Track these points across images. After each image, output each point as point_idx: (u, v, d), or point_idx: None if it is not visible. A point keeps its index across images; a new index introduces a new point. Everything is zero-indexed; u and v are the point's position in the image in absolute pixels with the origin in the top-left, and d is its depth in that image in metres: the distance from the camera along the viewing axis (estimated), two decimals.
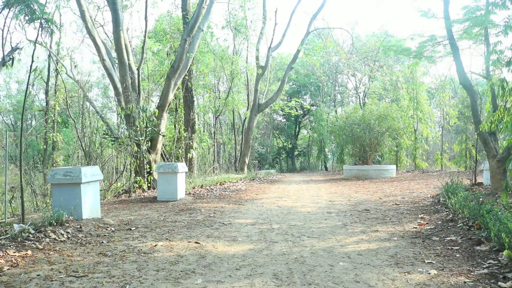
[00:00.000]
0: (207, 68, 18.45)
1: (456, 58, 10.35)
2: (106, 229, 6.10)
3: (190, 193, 11.74)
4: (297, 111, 32.61)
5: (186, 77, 16.36)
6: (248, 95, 25.92)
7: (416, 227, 6.25)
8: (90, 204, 6.86)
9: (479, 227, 5.38)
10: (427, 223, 6.52)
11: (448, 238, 5.27)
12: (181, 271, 3.98)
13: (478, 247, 4.67)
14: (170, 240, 5.38)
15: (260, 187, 15.35)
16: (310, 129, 44.99)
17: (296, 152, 47.25)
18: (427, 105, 27.83)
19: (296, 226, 6.48)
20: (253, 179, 19.17)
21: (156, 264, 4.21)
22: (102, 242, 5.21)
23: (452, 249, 4.75)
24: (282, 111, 33.85)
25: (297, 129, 46.22)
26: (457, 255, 4.47)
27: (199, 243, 5.22)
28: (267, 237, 5.64)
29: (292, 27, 48.38)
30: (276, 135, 46.27)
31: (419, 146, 26.36)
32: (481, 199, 7.05)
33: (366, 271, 3.97)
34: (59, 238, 5.24)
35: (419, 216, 7.32)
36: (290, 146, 46.26)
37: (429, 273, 3.84)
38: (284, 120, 46.40)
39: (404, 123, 22.29)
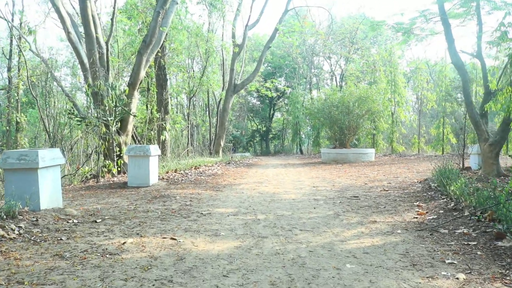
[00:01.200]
0: (181, 45, 17.45)
1: (448, 35, 9.76)
2: (68, 222, 5.28)
3: (163, 178, 10.93)
4: (271, 92, 31.82)
5: (159, 54, 15.39)
6: (223, 76, 24.99)
7: (416, 217, 5.65)
8: (50, 192, 5.98)
9: (491, 218, 4.80)
10: (426, 212, 5.94)
11: (459, 231, 4.66)
12: (156, 279, 3.21)
13: (499, 243, 4.06)
14: (141, 236, 4.60)
15: (237, 171, 14.62)
16: (285, 111, 44.39)
17: (270, 135, 46.64)
18: (404, 88, 27.50)
19: (284, 217, 5.79)
20: (229, 163, 18.44)
21: (124, 270, 3.42)
22: (61, 239, 4.39)
23: (469, 244, 4.14)
24: (258, 92, 33.04)
25: (272, 111, 45.56)
26: (479, 253, 3.85)
27: (175, 239, 4.46)
28: (254, 230, 4.93)
29: (269, 6, 47.34)
30: (250, 117, 45.53)
31: (396, 129, 26.06)
32: (493, 187, 6.48)
33: (381, 276, 3.30)
34: (8, 234, 4.39)
35: (415, 204, 6.75)
36: (264, 129, 45.60)
37: (457, 278, 3.20)
38: (259, 102, 45.65)
39: (384, 105, 21.84)
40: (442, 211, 5.83)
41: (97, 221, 5.41)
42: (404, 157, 21.83)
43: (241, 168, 16.26)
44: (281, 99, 45.78)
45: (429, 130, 27.02)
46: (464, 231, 4.62)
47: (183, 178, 11.22)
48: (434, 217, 5.57)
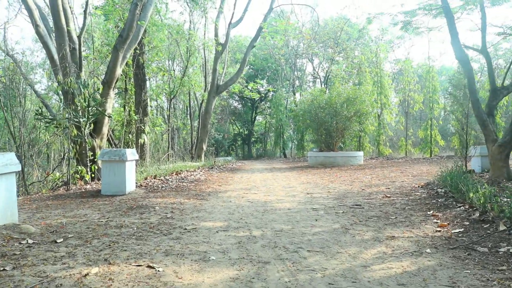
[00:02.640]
0: (161, 43, 16.43)
1: (451, 27, 9.00)
2: (20, 243, 4.28)
3: (141, 185, 9.91)
4: (255, 93, 30.91)
5: (137, 51, 14.41)
6: (205, 77, 23.99)
7: (438, 230, 4.82)
8: (1, 205, 4.96)
9: None
10: (448, 224, 5.10)
11: (503, 250, 3.82)
12: None
13: None
14: (110, 263, 3.61)
15: (222, 177, 13.68)
16: (268, 114, 43.57)
17: (252, 139, 45.75)
18: (391, 89, 26.95)
19: (284, 232, 4.88)
20: (212, 168, 17.49)
21: None
22: (4, 270, 3.40)
23: None
24: (241, 94, 32.08)
25: (254, 115, 44.72)
26: None
27: (153, 267, 3.49)
28: (251, 252, 4.00)
29: (253, 6, 46.50)
30: (232, 121, 44.60)
31: (383, 132, 25.43)
32: None
33: None
34: None
35: (429, 213, 5.93)
36: (246, 132, 44.71)
37: None
38: (241, 105, 44.79)
39: (372, 107, 21.15)
40: (467, 223, 5.00)
41: (58, 241, 4.41)
42: (392, 160, 21.20)
43: (225, 173, 15.33)
44: (263, 102, 44.99)
45: (416, 132, 26.50)
46: (511, 250, 3.78)
47: (164, 185, 10.23)
48: (461, 230, 4.73)
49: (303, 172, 15.50)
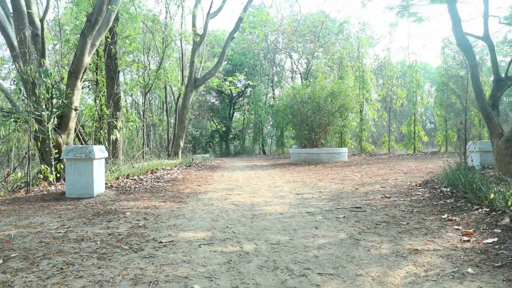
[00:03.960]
0: (135, 31, 15.33)
1: (453, 12, 8.27)
2: None
3: (112, 186, 8.90)
4: (235, 87, 29.97)
5: (109, 40, 13.31)
6: (182, 70, 22.91)
7: (467, 240, 4.02)
8: None
9: None
10: (474, 231, 4.32)
11: None
12: None
13: None
14: None
15: (201, 175, 12.74)
16: (246, 110, 42.70)
17: (230, 136, 44.79)
18: (373, 84, 26.37)
19: (282, 246, 4.00)
20: (190, 165, 16.52)
21: None
22: None
23: None
24: (220, 88, 31.06)
25: (232, 111, 43.77)
26: None
27: None
28: (246, 277, 3.10)
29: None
30: (210, 117, 43.55)
31: (365, 127, 24.82)
32: None
33: None
34: None
35: (443, 216, 5.15)
36: (224, 129, 43.74)
37: None
38: (218, 101, 43.80)
39: (356, 101, 20.45)
40: (498, 230, 4.22)
41: None
42: (375, 157, 20.59)
43: (204, 172, 14.39)
44: (241, 98, 44.10)
45: (399, 128, 25.99)
46: None
47: (137, 186, 9.24)
48: (494, 240, 3.94)
49: (286, 169, 14.67)
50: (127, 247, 3.97)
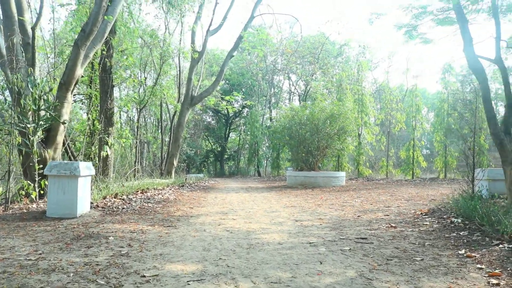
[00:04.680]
0: (133, 44, 14.90)
1: (465, 33, 7.89)
2: None
3: (98, 206, 8.32)
4: (233, 106, 29.55)
5: (104, 53, 12.87)
6: (179, 87, 22.48)
7: (495, 284, 3.50)
8: None
9: None
10: (501, 272, 3.81)
11: None
12: None
13: None
14: None
15: (193, 197, 12.19)
16: (242, 131, 42.31)
17: (225, 156, 44.28)
18: (372, 108, 26.04)
19: (284, 286, 3.47)
20: (183, 186, 15.96)
21: None
22: None
23: None
24: (217, 107, 30.62)
25: (228, 131, 43.38)
26: None
27: None
28: None
29: (233, 15, 45.35)
30: (205, 136, 43.09)
31: (363, 151, 24.38)
32: None
33: None
34: None
35: (461, 253, 4.66)
36: (219, 149, 43.26)
37: None
38: (214, 121, 43.43)
39: (356, 124, 20.06)
40: None
41: None
42: (373, 182, 20.12)
43: (198, 193, 13.83)
44: (238, 118, 43.77)
45: (397, 153, 25.58)
46: None
47: (125, 206, 8.68)
48: None
49: (283, 193, 14.14)
50: (103, 282, 3.41)
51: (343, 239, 5.58)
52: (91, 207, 7.95)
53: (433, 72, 54.36)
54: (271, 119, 35.69)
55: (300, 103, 30.84)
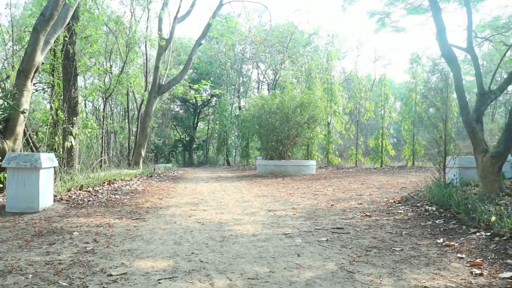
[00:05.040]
0: (98, 31, 14.29)
1: (438, 21, 7.83)
2: None
3: (62, 199, 7.94)
4: (201, 95, 29.11)
5: (67, 39, 12.32)
6: (146, 76, 21.91)
7: (478, 273, 3.41)
8: None
9: None
10: (482, 261, 3.72)
11: None
12: None
13: None
14: None
15: (162, 187, 11.88)
16: (211, 120, 41.94)
17: (194, 145, 43.83)
18: (341, 97, 26.10)
19: (262, 282, 3.26)
20: (151, 176, 15.58)
21: None
22: None
23: None
24: (185, 95, 30.11)
25: (196, 120, 42.93)
26: None
27: None
28: None
29: (200, 2, 44.52)
30: (173, 126, 42.51)
31: (333, 140, 24.44)
32: None
33: None
34: None
35: (439, 241, 4.58)
36: (188, 138, 42.79)
37: None
38: (182, 111, 42.87)
39: (326, 113, 20.02)
40: None
41: None
42: (343, 170, 20.19)
43: (167, 183, 13.51)
44: (206, 107, 43.34)
45: (366, 142, 25.76)
46: None
47: (91, 198, 8.32)
48: (511, 274, 3.34)
49: (253, 182, 13.97)
50: (65, 283, 3.13)
51: (319, 229, 5.43)
52: (54, 201, 7.56)
53: (399, 62, 55.03)
54: (239, 108, 35.41)
55: (269, 92, 30.62)
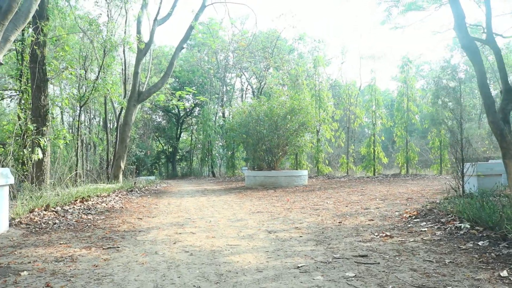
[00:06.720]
0: (70, 31, 13.03)
1: (456, 9, 6.84)
2: None
3: (21, 222, 6.67)
4: (184, 104, 27.93)
5: (33, 39, 11.10)
6: (125, 83, 20.64)
7: None
8: None
9: None
10: None
11: None
12: None
13: None
14: None
15: (143, 203, 10.66)
16: (194, 130, 40.76)
17: (177, 157, 42.55)
18: (330, 103, 25.17)
19: None
20: (132, 190, 14.33)
21: None
22: None
23: None
24: (167, 103, 28.86)
25: (179, 130, 41.69)
26: None
27: None
28: None
29: (182, 4, 43.29)
30: (155, 137, 41.21)
31: (322, 148, 23.44)
32: None
33: None
34: None
35: (502, 275, 3.50)
36: (171, 150, 41.49)
37: None
38: (165, 121, 41.65)
39: (317, 120, 19.02)
40: None
41: None
42: (335, 179, 19.21)
43: (148, 198, 12.29)
44: (189, 117, 42.18)
45: (358, 149, 24.81)
46: None
47: (58, 220, 7.07)
48: None
49: (243, 195, 12.83)
50: None
51: (338, 258, 4.31)
52: (11, 225, 6.31)
53: (384, 69, 54.63)
54: (223, 116, 34.36)
55: (254, 99, 29.64)
